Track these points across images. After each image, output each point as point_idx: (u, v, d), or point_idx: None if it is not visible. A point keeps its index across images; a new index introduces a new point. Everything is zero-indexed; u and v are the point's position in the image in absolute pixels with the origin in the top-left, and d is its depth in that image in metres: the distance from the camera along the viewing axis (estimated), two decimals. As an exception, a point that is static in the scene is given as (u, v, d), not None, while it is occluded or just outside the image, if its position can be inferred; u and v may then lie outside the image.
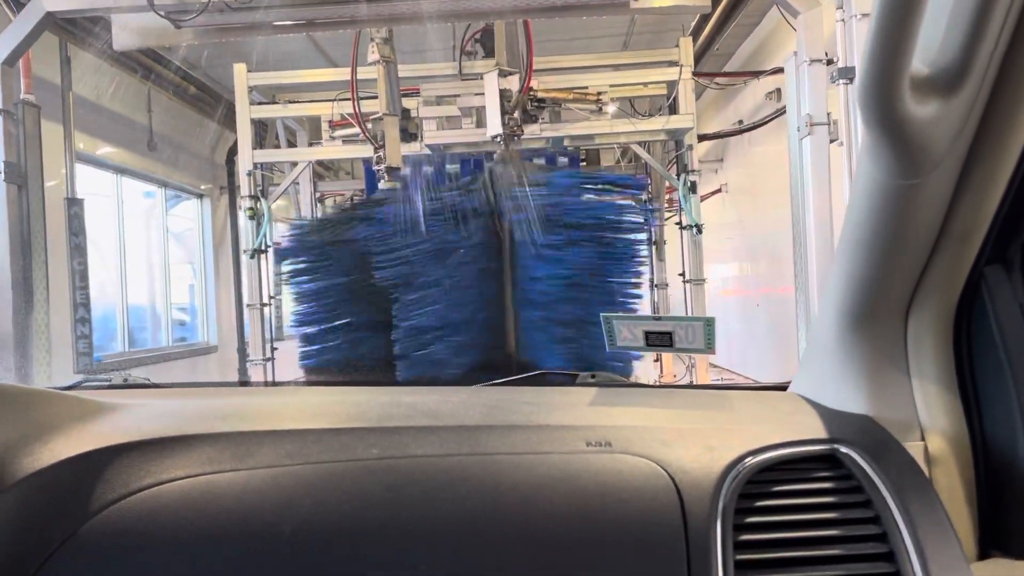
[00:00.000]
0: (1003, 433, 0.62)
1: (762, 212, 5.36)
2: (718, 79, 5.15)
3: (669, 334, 0.75)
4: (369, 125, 3.54)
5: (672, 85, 4.14)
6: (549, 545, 0.58)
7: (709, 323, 0.74)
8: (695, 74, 4.22)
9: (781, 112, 4.47)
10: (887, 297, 0.65)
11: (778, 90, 4.64)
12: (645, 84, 4.25)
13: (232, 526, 0.58)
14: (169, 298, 5.65)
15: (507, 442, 0.65)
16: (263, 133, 4.83)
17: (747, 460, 0.63)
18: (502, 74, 3.26)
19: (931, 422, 0.66)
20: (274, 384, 0.94)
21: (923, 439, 0.66)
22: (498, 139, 3.31)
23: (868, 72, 0.48)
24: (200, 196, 6.18)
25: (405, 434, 0.67)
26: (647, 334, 0.76)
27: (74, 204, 4.13)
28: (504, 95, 3.27)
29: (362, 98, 3.69)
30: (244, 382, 1.03)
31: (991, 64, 0.53)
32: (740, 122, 5.31)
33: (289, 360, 3.79)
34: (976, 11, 0.50)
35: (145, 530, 0.58)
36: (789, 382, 0.83)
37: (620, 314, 0.76)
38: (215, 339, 6.21)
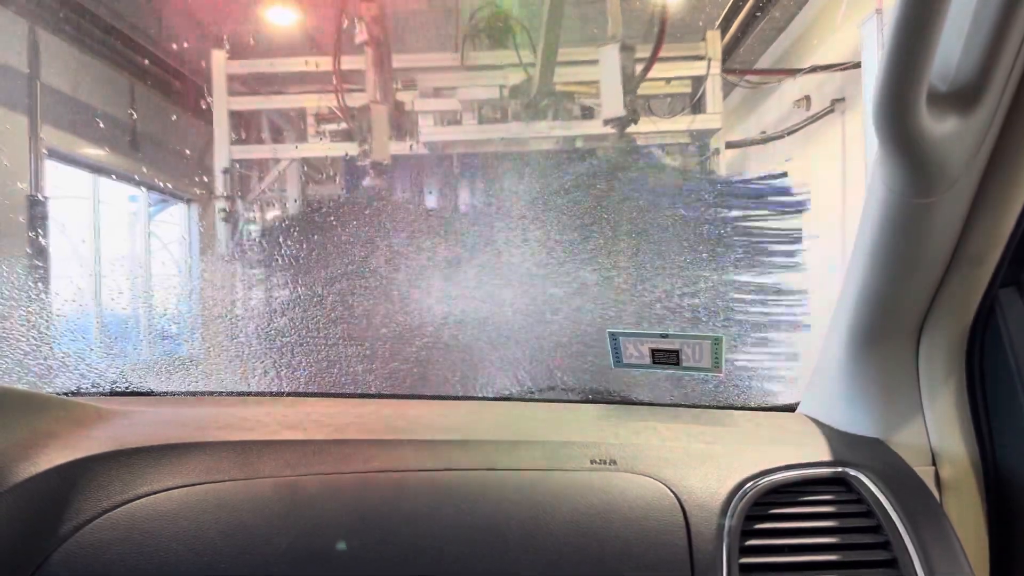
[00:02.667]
0: (1015, 460, 0.68)
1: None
2: (749, 77, 5.23)
3: (676, 352, 0.82)
4: (356, 117, 3.53)
5: (697, 82, 4.20)
6: (551, 563, 0.63)
7: (717, 341, 0.80)
8: (724, 70, 4.29)
9: (810, 120, 4.54)
10: (898, 318, 0.71)
11: (807, 98, 4.70)
12: (668, 80, 4.32)
13: (228, 537, 0.64)
14: (152, 309, 5.71)
15: (510, 458, 0.72)
16: (248, 131, 4.91)
17: (754, 481, 0.69)
18: (623, 48, 3.14)
19: (942, 447, 0.72)
20: (276, 394, 1.00)
21: (934, 464, 0.72)
22: (612, 124, 3.21)
23: (884, 86, 0.53)
24: (188, 201, 6.27)
25: (408, 447, 0.73)
26: (653, 351, 0.83)
27: (36, 204, 4.22)
28: (624, 72, 3.14)
29: (353, 90, 3.75)
30: (245, 391, 1.09)
31: (1009, 81, 0.58)
32: (763, 132, 5.37)
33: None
34: (995, 27, 0.55)
35: (140, 539, 0.64)
36: (797, 403, 0.89)
37: (626, 330, 0.83)
38: (201, 353, 6.26)
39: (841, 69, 3.99)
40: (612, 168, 3.29)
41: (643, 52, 4.57)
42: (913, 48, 0.50)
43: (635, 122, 3.35)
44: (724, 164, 4.30)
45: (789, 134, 4.81)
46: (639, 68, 3.84)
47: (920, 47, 0.50)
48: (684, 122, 4.17)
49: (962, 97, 0.57)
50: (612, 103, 3.13)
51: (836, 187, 4.21)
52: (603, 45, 3.19)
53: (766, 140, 5.15)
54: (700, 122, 4.11)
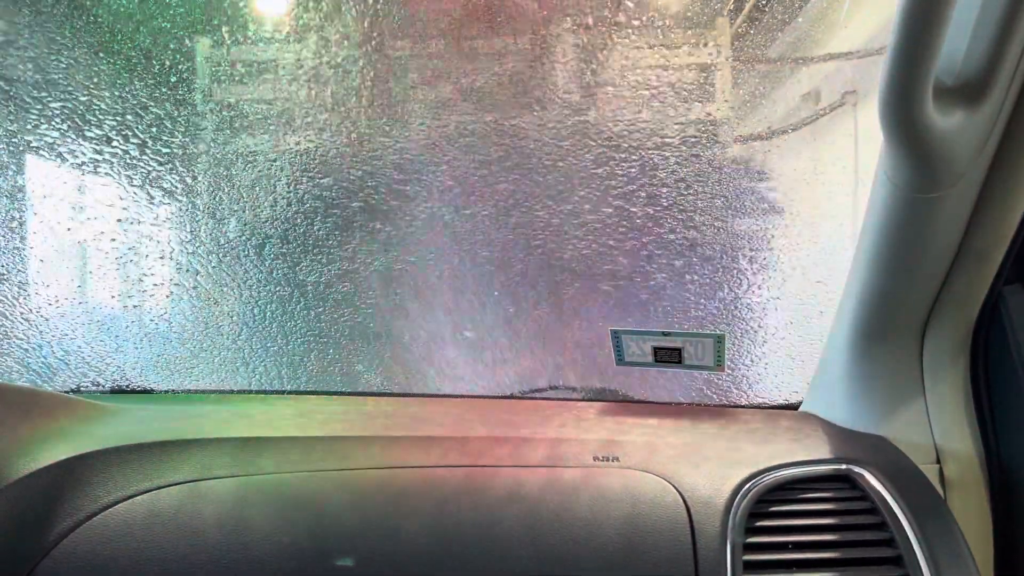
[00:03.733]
0: (1020, 457, 0.70)
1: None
2: (760, 67, 5.21)
3: (678, 350, 0.84)
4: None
5: (704, 71, 4.19)
6: (555, 559, 0.66)
7: (719, 340, 0.82)
8: (736, 59, 4.27)
9: (821, 114, 4.52)
10: (903, 315, 0.73)
11: (816, 91, 4.69)
12: (672, 70, 4.31)
13: (229, 533, 0.67)
14: (151, 307, 5.73)
15: (513, 454, 0.74)
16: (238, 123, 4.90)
17: (758, 478, 0.71)
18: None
19: (946, 444, 0.74)
20: (276, 392, 1.03)
21: (938, 461, 0.74)
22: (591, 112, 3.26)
23: (890, 79, 0.54)
24: (183, 196, 6.27)
25: (409, 444, 0.75)
26: (656, 350, 0.85)
27: (30, 201, 4.22)
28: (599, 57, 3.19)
29: (344, 81, 3.76)
30: (245, 389, 1.12)
31: (1016, 75, 0.59)
32: (769, 127, 5.35)
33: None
34: (1002, 21, 0.56)
35: (140, 535, 0.66)
36: (801, 400, 0.91)
37: (629, 328, 0.85)
38: (201, 351, 6.30)
39: (863, 57, 3.97)
40: (612, 159, 3.28)
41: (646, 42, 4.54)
42: (920, 41, 0.51)
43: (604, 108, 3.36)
44: (730, 159, 4.29)
45: (795, 130, 4.80)
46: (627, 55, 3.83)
47: (927, 40, 0.51)
48: (693, 112, 4.15)
49: (969, 91, 0.58)
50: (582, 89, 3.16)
51: (848, 182, 4.20)
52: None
53: (773, 135, 5.14)
54: (706, 113, 4.09)
